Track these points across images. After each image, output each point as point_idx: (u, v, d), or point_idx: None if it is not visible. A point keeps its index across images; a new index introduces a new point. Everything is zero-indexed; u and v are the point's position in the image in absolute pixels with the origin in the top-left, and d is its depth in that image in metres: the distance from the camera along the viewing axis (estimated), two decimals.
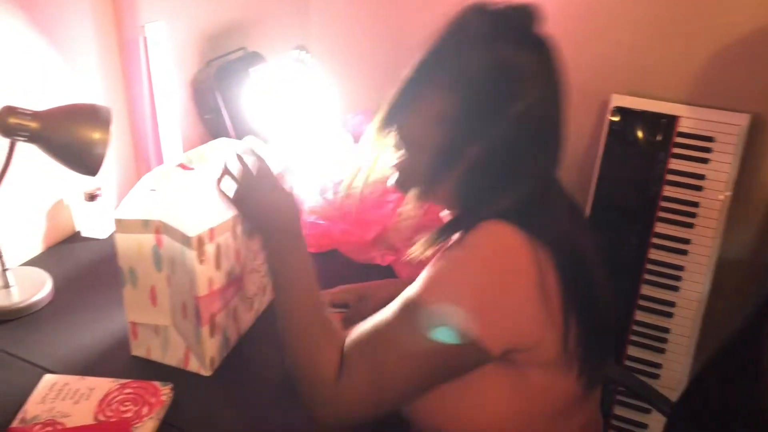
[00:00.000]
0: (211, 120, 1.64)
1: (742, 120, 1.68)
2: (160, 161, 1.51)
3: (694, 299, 1.74)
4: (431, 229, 1.44)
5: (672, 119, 1.74)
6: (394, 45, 2.04)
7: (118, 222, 1.02)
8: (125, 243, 1.04)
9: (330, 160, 1.42)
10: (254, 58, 1.71)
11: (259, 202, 0.95)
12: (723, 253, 1.74)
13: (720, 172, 1.71)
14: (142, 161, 1.56)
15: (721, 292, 1.76)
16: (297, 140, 1.48)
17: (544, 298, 0.84)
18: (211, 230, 1.00)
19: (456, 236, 0.90)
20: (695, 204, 1.73)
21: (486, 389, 0.88)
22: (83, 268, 1.36)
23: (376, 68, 2.08)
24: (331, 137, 1.48)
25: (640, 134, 1.77)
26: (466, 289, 0.83)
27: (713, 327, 1.75)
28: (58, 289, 1.28)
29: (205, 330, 1.04)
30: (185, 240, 0.98)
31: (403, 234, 1.42)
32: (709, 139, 1.71)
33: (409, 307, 0.85)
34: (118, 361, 1.12)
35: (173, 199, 1.09)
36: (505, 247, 0.83)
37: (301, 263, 0.94)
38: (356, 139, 1.56)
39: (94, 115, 1.13)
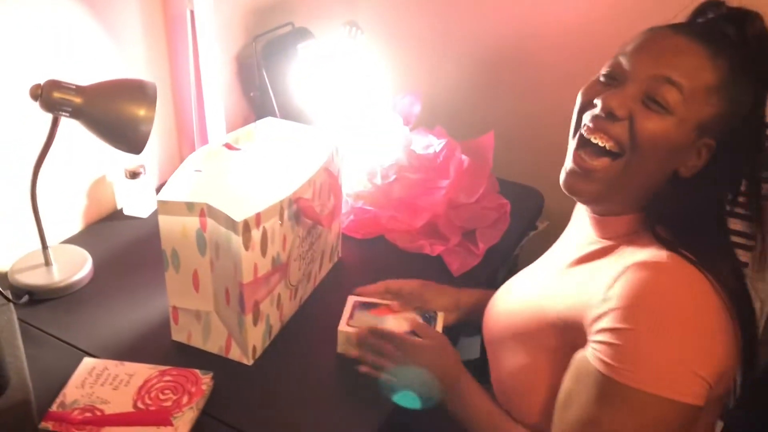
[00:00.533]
0: (257, 98, 1.59)
1: None
2: (203, 139, 1.47)
3: None
4: (484, 218, 1.39)
5: None
6: (444, 25, 1.97)
7: (162, 204, 0.98)
8: (168, 225, 1.00)
9: (379, 143, 1.37)
10: (302, 34, 1.65)
11: (435, 364, 0.99)
12: None
13: None
14: (185, 139, 1.52)
15: None
16: (345, 121, 1.42)
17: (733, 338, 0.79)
18: (258, 215, 0.95)
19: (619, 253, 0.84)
20: None
21: None
22: (124, 248, 1.33)
23: (426, 48, 2.01)
24: (380, 119, 1.42)
25: None
26: (678, 352, 0.73)
27: None
28: (98, 269, 1.25)
29: (249, 318, 1.00)
30: (231, 224, 0.94)
31: (453, 223, 1.36)
32: None
33: (621, 392, 0.74)
34: (158, 346, 1.09)
35: (219, 181, 1.05)
36: (699, 299, 0.76)
37: (483, 400, 0.97)
38: (406, 121, 1.50)
39: (140, 91, 1.09)
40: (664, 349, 0.73)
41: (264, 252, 0.99)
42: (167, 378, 0.99)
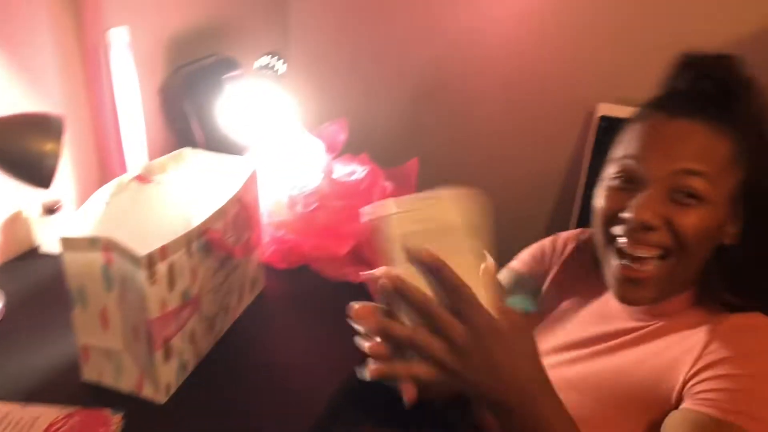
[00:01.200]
0: (181, 129, 1.57)
1: None
2: (124, 172, 1.44)
3: None
4: None
5: None
6: (372, 53, 1.99)
7: (64, 240, 0.96)
8: (74, 262, 0.97)
9: (301, 171, 1.36)
10: (227, 64, 1.65)
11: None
12: None
13: None
14: (106, 172, 1.49)
15: None
16: (267, 150, 1.41)
17: None
18: (163, 249, 0.93)
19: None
20: None
21: None
22: (39, 286, 1.29)
23: (354, 76, 2.03)
24: (302, 147, 1.42)
25: None
26: None
27: None
28: (10, 308, 1.21)
29: (159, 354, 0.98)
30: (134, 259, 0.91)
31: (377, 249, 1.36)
32: None
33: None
34: (68, 386, 1.05)
35: (127, 214, 1.03)
36: None
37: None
38: (332, 149, 1.50)
39: (45, 125, 1.06)
40: None
41: (172, 286, 0.97)
42: (75, 420, 0.96)
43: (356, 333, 0.71)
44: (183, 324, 1.02)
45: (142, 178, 1.13)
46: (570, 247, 1.01)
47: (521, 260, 1.07)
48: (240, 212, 1.11)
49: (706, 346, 0.77)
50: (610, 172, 0.82)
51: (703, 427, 0.71)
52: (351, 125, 1.57)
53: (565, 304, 0.99)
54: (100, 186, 1.49)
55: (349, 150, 1.57)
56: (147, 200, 1.08)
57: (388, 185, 1.39)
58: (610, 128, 1.71)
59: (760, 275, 0.83)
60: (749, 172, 0.80)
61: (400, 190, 1.41)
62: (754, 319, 0.79)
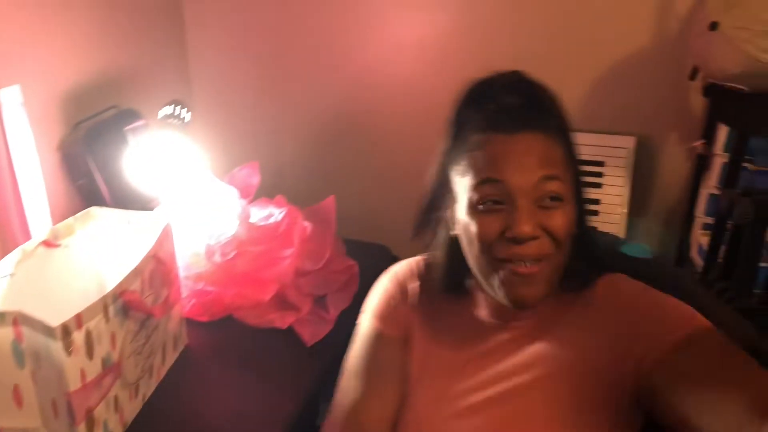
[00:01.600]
0: (85, 186, 1.51)
1: (629, 142, 1.71)
2: (27, 237, 1.37)
3: None
4: (333, 283, 1.38)
5: None
6: (277, 95, 1.99)
7: None
8: None
9: (215, 219, 1.33)
10: (129, 115, 1.60)
11: None
12: None
13: (613, 195, 1.73)
14: (8, 241, 1.41)
15: None
16: (178, 202, 1.37)
17: None
18: (78, 316, 0.89)
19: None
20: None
21: None
22: None
23: (262, 119, 2.02)
24: (215, 195, 1.39)
25: None
26: None
27: None
28: None
29: (82, 428, 0.92)
30: (48, 331, 0.86)
31: (302, 291, 1.34)
32: (600, 163, 1.73)
33: None
34: None
35: (34, 283, 0.98)
36: None
37: None
38: (245, 194, 1.47)
39: None
40: None
41: (90, 355, 0.92)
42: None
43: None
44: (105, 392, 0.97)
45: (49, 243, 1.07)
46: (413, 286, 0.98)
47: (378, 315, 0.99)
48: (156, 269, 1.08)
49: (621, 314, 0.84)
50: (472, 199, 0.84)
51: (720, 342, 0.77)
52: (263, 168, 1.56)
53: (436, 347, 0.95)
54: (3, 256, 1.42)
55: (263, 193, 1.55)
56: (56, 266, 1.03)
57: (308, 225, 1.38)
58: None
59: (596, 249, 0.91)
60: (577, 165, 0.88)
61: (319, 229, 1.40)
62: (611, 278, 0.89)
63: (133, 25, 1.76)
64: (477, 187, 0.83)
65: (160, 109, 1.51)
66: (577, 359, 0.86)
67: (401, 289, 0.99)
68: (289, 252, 1.33)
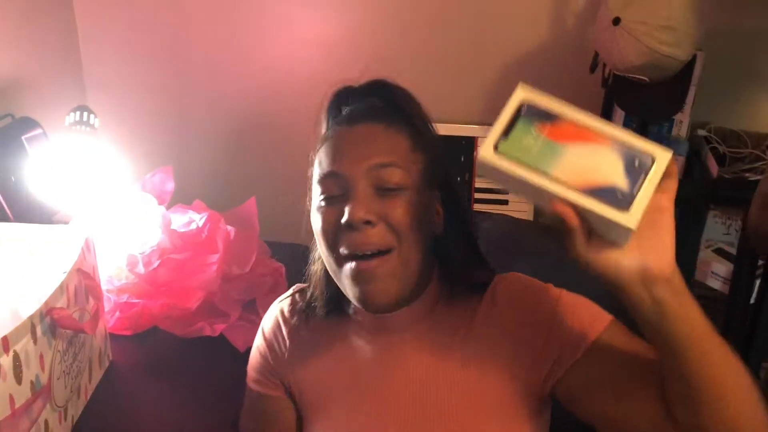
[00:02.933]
0: None
1: None
2: None
3: None
4: (261, 286, 1.35)
5: (470, 140, 1.81)
6: (182, 99, 1.93)
7: None
8: None
9: (134, 228, 1.28)
10: (26, 124, 1.50)
11: None
12: None
13: None
14: None
15: None
16: (92, 213, 1.31)
17: None
18: (4, 339, 0.83)
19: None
20: None
21: None
22: None
23: (170, 123, 1.96)
24: (130, 203, 1.33)
25: None
26: None
27: None
28: None
29: None
30: None
31: (230, 297, 1.31)
32: None
33: None
34: None
35: None
36: None
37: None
38: (160, 200, 1.42)
39: None
40: None
41: (19, 379, 0.86)
42: None
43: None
44: (36, 418, 0.91)
45: None
46: (288, 329, 0.94)
47: (253, 378, 0.97)
48: (81, 283, 1.02)
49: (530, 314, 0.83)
50: (315, 197, 0.83)
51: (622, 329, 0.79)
52: (177, 173, 1.51)
53: (329, 377, 0.91)
54: None
55: (179, 199, 1.50)
56: None
57: (231, 229, 1.35)
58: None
59: (469, 257, 0.89)
60: (430, 158, 0.86)
61: (243, 232, 1.37)
62: (508, 278, 0.88)
63: (21, 30, 1.66)
64: (320, 182, 0.83)
65: (62, 116, 1.43)
66: (487, 370, 0.83)
67: (271, 340, 0.95)
68: (214, 258, 1.29)
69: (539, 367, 0.81)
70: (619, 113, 1.59)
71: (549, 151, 0.61)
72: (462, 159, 1.81)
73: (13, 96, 1.58)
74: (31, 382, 0.89)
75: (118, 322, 1.24)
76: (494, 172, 0.62)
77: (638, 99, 1.38)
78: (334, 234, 0.80)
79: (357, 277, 0.80)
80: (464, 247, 0.88)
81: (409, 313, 0.86)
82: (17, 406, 0.86)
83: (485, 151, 0.62)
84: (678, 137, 1.66)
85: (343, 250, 0.80)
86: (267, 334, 0.96)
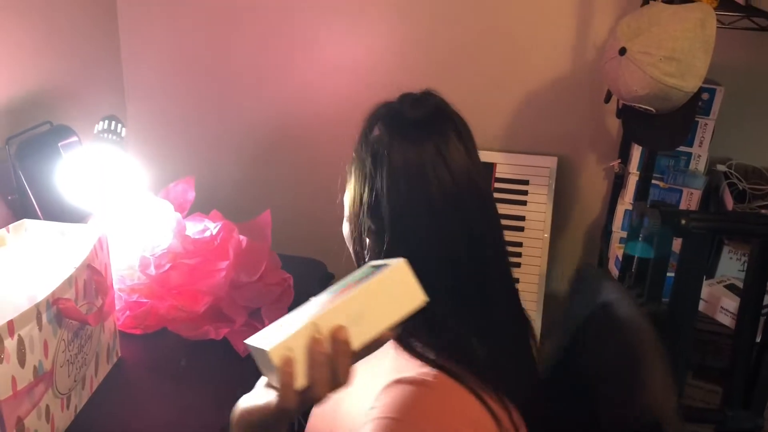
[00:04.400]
0: (16, 201, 1.49)
1: (551, 162, 1.81)
2: None
3: None
4: (268, 295, 1.40)
5: (489, 166, 1.84)
6: (214, 111, 2.01)
7: None
8: None
9: (149, 232, 1.34)
10: (62, 131, 1.59)
11: None
12: (549, 288, 1.85)
13: (538, 212, 1.82)
14: None
15: (550, 327, 1.86)
16: (112, 215, 1.38)
17: None
18: (10, 323, 0.89)
19: None
20: (519, 244, 1.82)
21: None
22: None
23: (198, 134, 2.04)
24: (149, 209, 1.40)
25: None
26: None
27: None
28: None
29: None
30: None
31: (237, 303, 1.36)
32: (524, 182, 1.82)
33: None
34: None
35: None
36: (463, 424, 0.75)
37: None
38: (180, 209, 1.49)
39: None
40: None
41: (22, 362, 0.92)
42: None
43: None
44: (37, 401, 0.97)
45: None
46: None
47: None
48: (90, 278, 1.08)
49: (378, 396, 0.78)
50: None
51: None
52: (199, 183, 1.58)
53: None
54: None
55: (199, 209, 1.57)
56: None
57: (243, 238, 1.40)
58: None
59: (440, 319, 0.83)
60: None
61: (255, 242, 1.43)
62: (433, 379, 0.78)
63: (67, 40, 1.76)
64: None
65: (95, 124, 1.52)
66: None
67: None
68: (224, 264, 1.35)
69: None
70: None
71: None
72: None
73: (53, 104, 1.68)
74: (34, 367, 0.95)
75: (127, 320, 1.30)
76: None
77: (645, 129, 1.39)
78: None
79: None
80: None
81: None
82: (19, 388, 0.92)
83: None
84: (695, 171, 1.66)
85: None
86: None
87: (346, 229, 0.95)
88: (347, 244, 0.96)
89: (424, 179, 0.84)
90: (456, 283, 0.84)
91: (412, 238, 0.85)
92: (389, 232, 0.85)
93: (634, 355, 0.87)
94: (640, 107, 1.34)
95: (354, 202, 0.91)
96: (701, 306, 1.52)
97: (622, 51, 1.30)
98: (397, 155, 0.85)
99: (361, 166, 0.90)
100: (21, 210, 1.50)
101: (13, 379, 0.91)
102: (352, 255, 0.95)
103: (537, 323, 1.81)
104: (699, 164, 1.66)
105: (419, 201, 0.84)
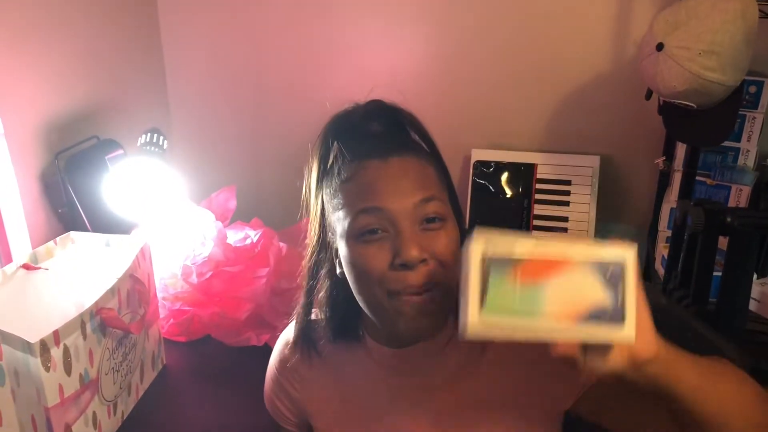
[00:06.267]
0: (66, 214, 1.55)
1: (593, 162, 1.78)
2: (8, 260, 1.40)
3: None
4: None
5: (530, 167, 1.82)
6: (254, 122, 2.04)
7: None
8: None
9: (191, 241, 1.37)
10: (109, 145, 1.64)
11: None
12: None
13: (580, 212, 1.79)
14: None
15: None
16: (156, 226, 1.42)
17: None
18: (56, 333, 0.92)
19: None
20: None
21: None
22: None
23: (240, 145, 2.07)
24: (191, 218, 1.43)
25: (503, 184, 1.83)
26: None
27: None
28: None
29: None
30: (26, 347, 0.90)
31: (278, 310, 1.38)
32: (566, 182, 1.79)
33: None
34: None
35: (14, 303, 1.01)
36: None
37: None
38: (223, 217, 1.52)
39: None
40: None
41: (68, 371, 0.96)
42: None
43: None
44: (84, 408, 1.00)
45: (29, 266, 1.11)
46: (292, 362, 0.97)
47: (271, 413, 1.03)
48: (133, 288, 1.12)
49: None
50: (353, 232, 0.80)
51: None
52: (241, 191, 1.61)
53: (344, 406, 0.94)
54: None
55: (240, 217, 1.60)
56: (36, 288, 1.06)
57: (283, 246, 1.42)
58: (485, 171, 1.84)
59: None
60: (449, 184, 0.86)
61: (295, 249, 1.44)
62: None
63: (112, 56, 1.81)
64: (356, 218, 0.80)
65: (138, 138, 1.56)
66: (500, 403, 0.85)
67: (279, 377, 0.99)
68: (264, 271, 1.37)
69: (549, 399, 0.84)
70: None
71: (531, 295, 0.61)
72: (521, 185, 1.82)
73: (99, 119, 1.73)
74: (80, 375, 0.98)
75: (171, 327, 1.33)
76: (489, 335, 0.62)
77: (687, 125, 1.35)
78: (382, 273, 0.79)
79: (412, 312, 0.79)
80: None
81: (423, 348, 0.87)
82: (66, 395, 0.95)
83: (473, 321, 0.61)
84: (744, 167, 1.61)
85: (393, 287, 0.79)
86: (272, 370, 1.01)
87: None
88: None
89: None
90: None
91: None
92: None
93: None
94: (680, 103, 1.31)
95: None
96: (753, 306, 1.47)
97: (660, 47, 1.27)
98: None
99: None
100: (71, 222, 1.55)
101: (60, 387, 0.94)
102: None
103: None
104: (748, 160, 1.60)
105: None
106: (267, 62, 1.98)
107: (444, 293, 0.79)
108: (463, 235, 0.84)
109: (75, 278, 1.11)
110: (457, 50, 1.84)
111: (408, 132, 0.87)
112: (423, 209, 0.80)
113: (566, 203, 1.79)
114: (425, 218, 0.80)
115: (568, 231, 1.80)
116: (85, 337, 0.98)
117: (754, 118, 1.56)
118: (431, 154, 0.86)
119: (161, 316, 1.31)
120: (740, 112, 1.49)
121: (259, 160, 2.06)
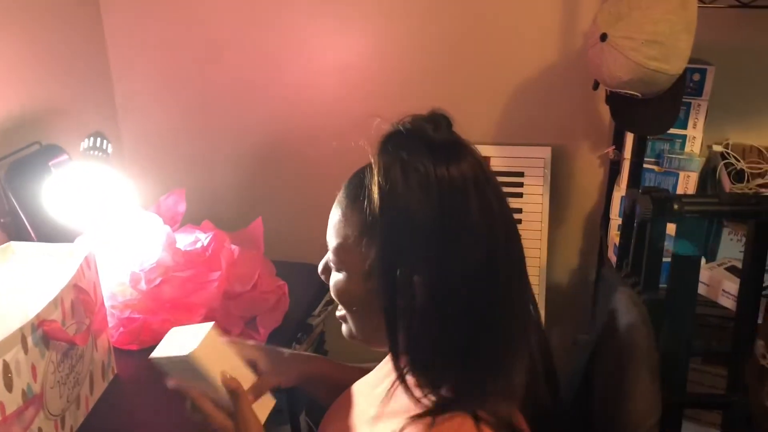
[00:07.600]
0: (8, 224, 1.50)
1: (545, 153, 1.79)
2: None
3: None
4: (263, 303, 1.40)
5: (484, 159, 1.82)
6: (203, 123, 2.01)
7: None
8: None
9: (138, 246, 1.34)
10: (52, 151, 1.59)
11: None
12: (550, 280, 1.83)
13: (534, 203, 1.80)
14: None
15: (553, 319, 1.84)
16: (101, 232, 1.38)
17: None
18: None
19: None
20: None
21: None
22: None
23: (190, 147, 2.04)
24: (138, 223, 1.40)
25: None
26: None
27: None
28: None
29: None
30: None
31: (232, 314, 1.36)
32: (519, 174, 1.80)
33: None
34: None
35: None
36: None
37: None
38: (173, 221, 1.49)
39: None
40: None
41: (9, 387, 0.92)
42: None
43: None
44: (28, 425, 0.97)
45: None
46: None
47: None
48: (78, 298, 1.08)
49: None
50: None
51: None
52: (191, 195, 1.58)
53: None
54: None
55: (191, 220, 1.57)
56: None
57: (235, 248, 1.40)
58: None
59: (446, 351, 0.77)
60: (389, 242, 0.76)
61: (247, 251, 1.42)
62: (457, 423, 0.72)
63: (54, 57, 1.76)
64: None
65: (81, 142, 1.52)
66: None
67: None
68: (216, 275, 1.34)
69: None
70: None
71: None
72: None
73: (43, 123, 1.68)
74: (23, 391, 0.95)
75: (121, 336, 1.30)
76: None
77: (633, 114, 1.37)
78: None
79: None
80: (426, 349, 0.77)
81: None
82: (8, 413, 0.92)
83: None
84: (691, 154, 1.63)
85: None
86: None
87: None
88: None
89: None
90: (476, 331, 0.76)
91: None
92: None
93: (624, 366, 0.88)
94: (625, 93, 1.32)
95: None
96: (703, 290, 1.50)
97: (603, 37, 1.28)
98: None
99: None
100: (14, 232, 1.50)
101: (1, 405, 0.91)
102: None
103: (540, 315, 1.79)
104: (694, 146, 1.63)
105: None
106: (217, 60, 1.95)
107: (353, 324, 0.86)
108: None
109: (16, 290, 1.07)
110: (405, 45, 1.83)
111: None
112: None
113: (520, 195, 1.80)
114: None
115: (522, 222, 1.81)
116: (26, 351, 0.95)
117: (699, 105, 1.59)
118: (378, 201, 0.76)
119: (110, 325, 1.28)
120: (685, 100, 1.52)
121: (210, 161, 2.02)
